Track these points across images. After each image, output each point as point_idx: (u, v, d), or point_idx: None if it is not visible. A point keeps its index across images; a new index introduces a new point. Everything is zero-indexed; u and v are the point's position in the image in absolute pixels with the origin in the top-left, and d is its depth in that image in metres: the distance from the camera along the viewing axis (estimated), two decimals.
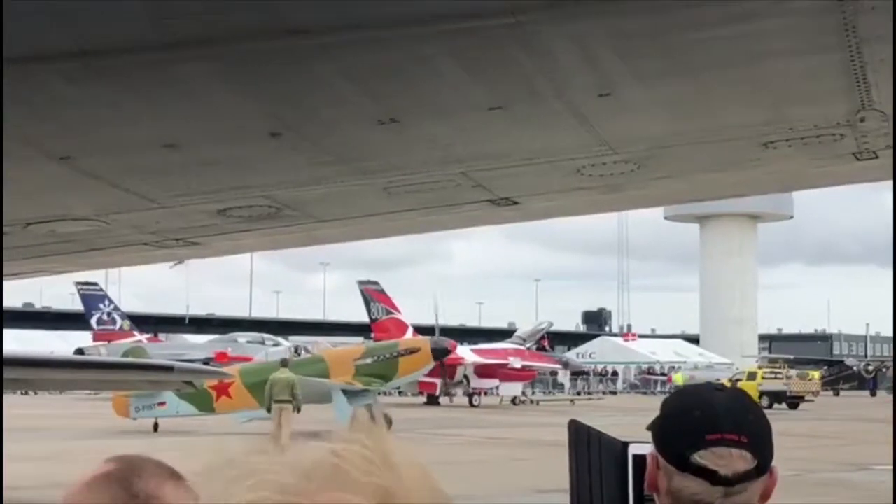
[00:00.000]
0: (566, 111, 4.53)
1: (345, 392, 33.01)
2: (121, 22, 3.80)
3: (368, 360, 35.89)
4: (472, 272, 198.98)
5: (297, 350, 35.74)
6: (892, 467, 14.85)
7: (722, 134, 5.06)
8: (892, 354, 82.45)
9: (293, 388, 27.99)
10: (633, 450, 2.43)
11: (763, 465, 2.14)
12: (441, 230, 7.85)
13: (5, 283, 8.78)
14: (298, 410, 28.03)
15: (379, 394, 39.04)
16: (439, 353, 38.35)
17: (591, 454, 2.65)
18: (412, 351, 36.69)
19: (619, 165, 5.35)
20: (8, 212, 5.79)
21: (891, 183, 6.29)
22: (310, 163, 5.15)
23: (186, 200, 5.82)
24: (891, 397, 57.00)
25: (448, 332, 43.87)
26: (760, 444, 2.16)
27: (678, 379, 68.18)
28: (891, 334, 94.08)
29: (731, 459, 2.11)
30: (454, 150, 5.06)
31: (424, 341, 37.47)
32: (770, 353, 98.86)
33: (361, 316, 65.42)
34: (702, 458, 2.10)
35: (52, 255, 7.09)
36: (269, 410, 27.92)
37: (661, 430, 2.16)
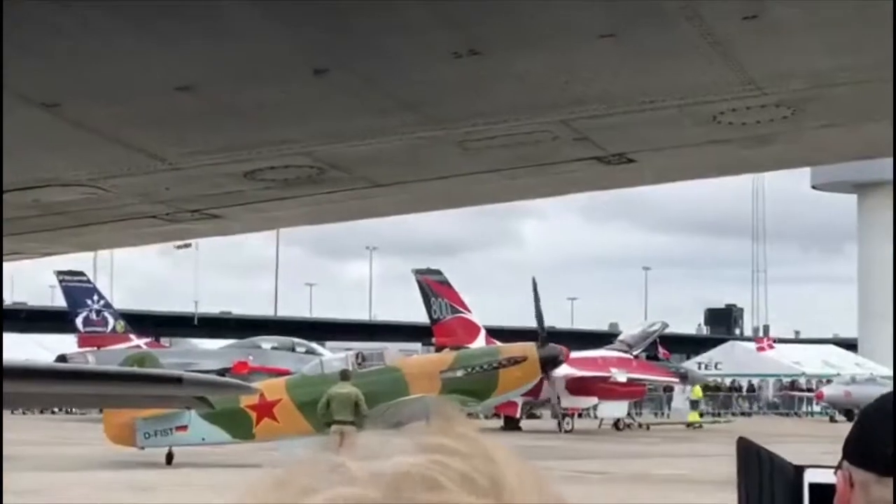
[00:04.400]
0: (700, 39, 4.49)
1: None
2: None
3: (459, 373, 35.94)
4: (556, 258, 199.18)
5: (360, 358, 35.78)
6: None
7: None
8: None
9: (357, 405, 28.27)
10: (810, 477, 2.46)
11: None
12: (532, 198, 7.86)
13: None
14: (359, 428, 28.39)
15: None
16: (549, 364, 38.38)
17: (763, 478, 2.70)
18: (516, 361, 36.65)
19: (767, 110, 5.29)
20: None
21: None
22: (364, 109, 5.16)
23: (204, 159, 5.87)
24: None
25: (529, 335, 43.89)
26: None
27: (696, 393, 67.91)
28: None
29: None
30: (552, 91, 5.05)
31: (531, 348, 37.39)
32: None
33: (417, 315, 65.79)
34: None
35: (35, 232, 7.17)
36: (328, 426, 28.13)
37: (859, 437, 2.21)
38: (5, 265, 9.07)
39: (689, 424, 62.41)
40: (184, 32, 4.43)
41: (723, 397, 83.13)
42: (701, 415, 72.91)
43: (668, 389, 70.72)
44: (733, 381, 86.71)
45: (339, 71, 4.76)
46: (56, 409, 57.06)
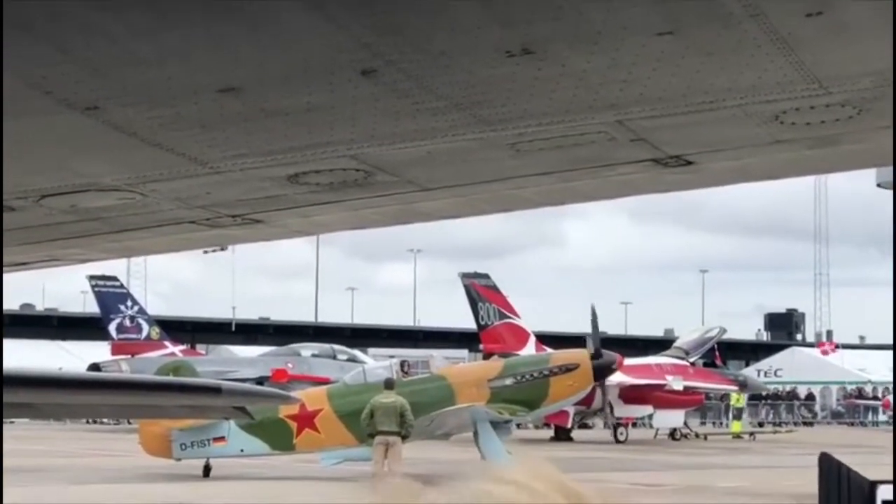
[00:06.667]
0: (762, 36, 4.50)
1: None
2: None
3: (508, 381, 35.89)
4: (608, 261, 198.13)
5: (405, 366, 35.75)
6: None
7: None
8: None
9: (402, 415, 28.14)
10: (883, 494, 2.48)
11: None
12: (585, 201, 7.84)
13: (8, 275, 8.99)
14: (405, 439, 28.45)
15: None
16: (602, 372, 38.30)
17: (841, 492, 2.73)
18: (568, 369, 36.54)
19: (833, 110, 5.29)
20: (18, 181, 5.93)
21: None
22: (413, 110, 5.18)
23: (247, 163, 5.90)
24: None
25: (581, 341, 43.75)
26: None
27: (737, 400, 66.73)
28: None
29: None
30: (607, 90, 5.06)
31: (583, 355, 37.31)
32: None
33: (463, 321, 65.59)
34: None
35: (72, 238, 7.23)
36: (372, 437, 27.98)
37: None
38: (40, 271, 9.16)
39: (735, 435, 61.72)
40: (228, 33, 4.46)
41: (784, 406, 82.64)
42: (761, 424, 72.45)
43: (726, 398, 70.25)
44: (793, 389, 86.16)
45: (388, 71, 4.78)
46: (89, 420, 57.35)
